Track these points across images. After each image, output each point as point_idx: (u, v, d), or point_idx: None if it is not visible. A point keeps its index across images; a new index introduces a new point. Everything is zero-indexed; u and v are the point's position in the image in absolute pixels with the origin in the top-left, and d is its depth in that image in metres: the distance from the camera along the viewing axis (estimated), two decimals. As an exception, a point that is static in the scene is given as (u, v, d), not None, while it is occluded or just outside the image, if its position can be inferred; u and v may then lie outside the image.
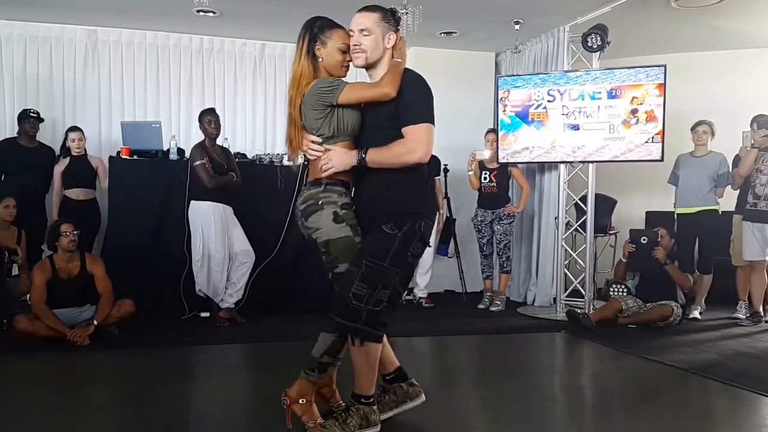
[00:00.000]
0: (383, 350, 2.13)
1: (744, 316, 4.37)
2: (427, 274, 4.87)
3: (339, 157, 2.04)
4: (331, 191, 2.04)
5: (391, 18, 2.08)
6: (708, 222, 4.44)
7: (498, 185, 4.77)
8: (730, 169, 4.46)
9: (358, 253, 2.02)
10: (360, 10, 2.08)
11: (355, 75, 2.18)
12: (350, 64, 2.12)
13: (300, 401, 2.10)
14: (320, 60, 2.07)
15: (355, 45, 2.05)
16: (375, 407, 2.11)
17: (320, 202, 2.03)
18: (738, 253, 4.41)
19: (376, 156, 2.02)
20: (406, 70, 2.05)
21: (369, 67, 2.10)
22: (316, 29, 2.07)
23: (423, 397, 2.29)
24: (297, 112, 2.07)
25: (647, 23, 4.79)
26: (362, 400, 2.08)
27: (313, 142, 2.08)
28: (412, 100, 2.01)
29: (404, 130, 2.00)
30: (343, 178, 2.08)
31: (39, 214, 4.40)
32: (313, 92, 2.03)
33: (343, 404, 2.18)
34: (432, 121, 2.05)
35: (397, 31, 2.08)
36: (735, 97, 5.19)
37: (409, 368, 2.32)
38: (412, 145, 2.00)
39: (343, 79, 2.08)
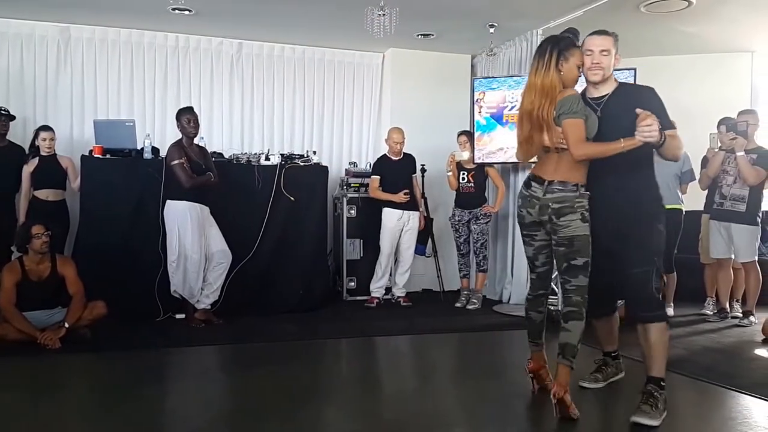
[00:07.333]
0: (615, 328, 2.56)
1: (711, 313, 4.50)
2: (406, 274, 4.90)
3: (658, 132, 2.16)
4: (584, 196, 2.37)
5: (617, 42, 2.40)
6: (670, 220, 4.53)
7: (475, 185, 4.83)
8: (693, 168, 4.56)
9: (647, 252, 2.28)
10: (598, 33, 2.40)
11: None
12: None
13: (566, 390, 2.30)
14: (561, 73, 2.36)
15: (596, 63, 2.36)
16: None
17: (575, 206, 2.36)
18: (706, 251, 4.54)
19: (671, 139, 2.23)
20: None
21: (599, 82, 2.40)
22: (562, 47, 2.37)
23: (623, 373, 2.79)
24: (550, 116, 2.34)
25: (617, 27, 4.78)
26: (661, 383, 2.28)
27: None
28: (663, 109, 2.31)
29: (673, 131, 2.29)
30: (586, 183, 2.40)
31: (9, 215, 4.28)
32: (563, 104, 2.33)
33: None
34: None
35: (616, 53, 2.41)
36: (702, 99, 5.32)
37: (389, 367, 2.34)
38: (682, 143, 2.31)
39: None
